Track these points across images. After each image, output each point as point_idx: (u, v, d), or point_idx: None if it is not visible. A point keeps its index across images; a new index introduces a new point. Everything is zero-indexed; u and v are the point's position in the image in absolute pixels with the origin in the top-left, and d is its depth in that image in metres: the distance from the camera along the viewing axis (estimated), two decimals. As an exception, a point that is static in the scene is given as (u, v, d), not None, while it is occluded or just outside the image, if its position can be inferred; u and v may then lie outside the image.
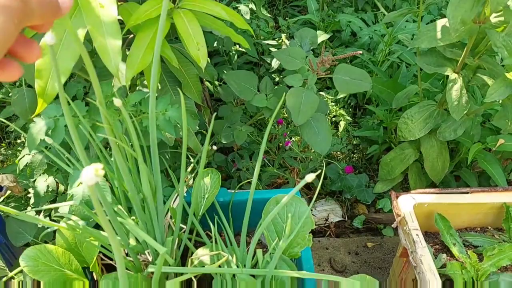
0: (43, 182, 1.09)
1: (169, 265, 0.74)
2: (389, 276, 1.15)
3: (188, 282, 0.82)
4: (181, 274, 0.73)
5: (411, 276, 0.95)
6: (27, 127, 0.94)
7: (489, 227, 1.03)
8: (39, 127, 0.76)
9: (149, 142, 0.70)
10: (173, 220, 0.84)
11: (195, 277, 0.82)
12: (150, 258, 0.77)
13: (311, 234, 0.76)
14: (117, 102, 0.57)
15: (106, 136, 0.67)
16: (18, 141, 1.76)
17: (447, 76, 1.09)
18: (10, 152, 1.73)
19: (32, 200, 1.15)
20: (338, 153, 1.67)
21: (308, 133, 0.93)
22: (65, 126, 0.76)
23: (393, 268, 1.11)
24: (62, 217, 0.84)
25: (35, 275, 0.74)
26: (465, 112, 1.09)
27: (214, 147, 1.03)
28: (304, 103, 0.87)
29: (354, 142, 1.71)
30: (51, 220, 0.97)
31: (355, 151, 1.71)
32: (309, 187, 1.55)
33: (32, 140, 0.75)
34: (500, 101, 1.08)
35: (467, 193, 0.96)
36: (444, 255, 0.95)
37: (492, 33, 0.96)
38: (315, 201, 1.56)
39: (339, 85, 0.90)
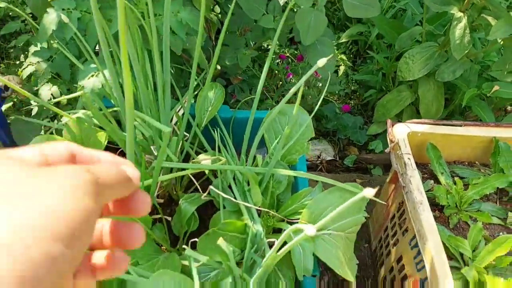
0: (47, 91, 1.10)
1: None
2: (375, 206, 1.21)
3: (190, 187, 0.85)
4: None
5: (398, 200, 1.00)
6: (29, 44, 0.95)
7: (477, 162, 1.07)
8: (51, 18, 0.76)
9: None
10: (178, 125, 0.87)
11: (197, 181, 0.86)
12: (155, 153, 0.80)
13: (309, 142, 0.79)
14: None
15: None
16: (17, 62, 1.75)
17: (453, 15, 1.10)
18: (9, 72, 1.72)
19: (35, 110, 1.17)
20: (335, 97, 1.69)
21: (314, 56, 0.95)
22: (78, 19, 0.77)
23: (380, 198, 1.16)
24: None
25: (43, 162, 0.77)
26: (466, 52, 1.11)
27: (218, 67, 1.05)
28: (313, 23, 0.88)
29: (352, 88, 1.73)
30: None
31: (352, 96, 1.74)
32: (305, 125, 1.58)
33: (44, 30, 0.76)
34: (501, 42, 1.10)
35: (460, 125, 1.00)
36: (432, 181, 0.99)
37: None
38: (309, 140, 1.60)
39: (347, 7, 0.91)
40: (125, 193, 0.30)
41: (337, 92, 1.65)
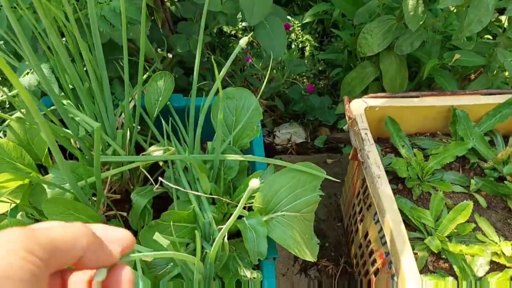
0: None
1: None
2: (344, 185, 1.20)
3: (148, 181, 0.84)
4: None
5: (361, 176, 0.99)
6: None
7: (438, 133, 1.07)
8: (-21, 17, 0.73)
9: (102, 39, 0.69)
10: (125, 117, 0.85)
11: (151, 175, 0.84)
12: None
13: (259, 125, 0.78)
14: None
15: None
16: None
17: (405, -15, 1.09)
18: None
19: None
20: (304, 78, 1.67)
21: (263, 37, 0.93)
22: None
23: (347, 176, 1.16)
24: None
25: (-15, 167, 0.75)
26: (421, 22, 1.10)
27: (170, 55, 1.02)
28: (258, 2, 0.86)
29: (320, 68, 1.71)
30: None
31: (321, 77, 1.72)
32: (273, 109, 1.57)
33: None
34: (454, 10, 1.09)
35: (417, 97, 0.99)
36: (392, 155, 0.99)
37: None
38: (279, 124, 1.59)
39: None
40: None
41: (304, 73, 1.64)
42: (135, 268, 0.60)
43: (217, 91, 0.66)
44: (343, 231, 1.23)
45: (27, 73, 0.74)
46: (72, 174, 0.63)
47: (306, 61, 1.65)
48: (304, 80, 1.68)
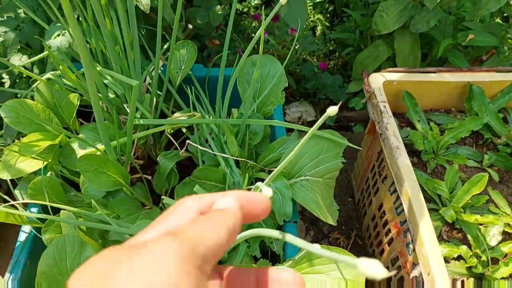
0: (17, 61, 1.07)
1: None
2: (357, 160, 1.22)
3: (169, 147, 0.85)
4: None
5: (376, 149, 1.01)
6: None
7: (453, 109, 1.09)
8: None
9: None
10: (151, 82, 0.86)
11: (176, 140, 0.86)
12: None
13: (283, 92, 0.79)
14: None
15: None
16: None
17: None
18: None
19: (7, 84, 1.15)
20: (314, 58, 1.68)
21: (284, 8, 0.94)
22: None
23: (360, 151, 1.18)
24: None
25: (17, 126, 0.76)
26: (438, 1, 1.11)
27: (190, 26, 1.03)
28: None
29: (331, 48, 1.72)
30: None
31: (331, 56, 1.73)
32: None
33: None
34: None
35: (435, 72, 1.01)
36: (409, 128, 1.01)
37: None
38: (289, 103, 1.60)
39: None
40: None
41: (315, 52, 1.65)
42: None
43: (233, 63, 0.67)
44: (353, 206, 1.26)
45: (58, 35, 0.75)
46: (107, 133, 0.64)
47: (317, 40, 1.66)
48: (314, 59, 1.69)
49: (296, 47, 1.53)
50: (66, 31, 0.75)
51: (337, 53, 1.73)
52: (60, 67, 0.66)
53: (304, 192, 0.72)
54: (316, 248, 0.32)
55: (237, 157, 0.75)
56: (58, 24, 0.76)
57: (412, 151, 0.99)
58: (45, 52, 0.78)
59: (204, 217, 0.27)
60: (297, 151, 0.49)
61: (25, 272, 0.70)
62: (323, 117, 0.42)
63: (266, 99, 0.80)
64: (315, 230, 1.22)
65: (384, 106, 0.93)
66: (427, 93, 1.04)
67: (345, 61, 1.69)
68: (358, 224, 1.22)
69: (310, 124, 1.52)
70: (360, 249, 1.17)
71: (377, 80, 0.98)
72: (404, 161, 0.84)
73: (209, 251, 0.24)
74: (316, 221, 1.23)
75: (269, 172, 0.79)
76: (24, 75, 1.22)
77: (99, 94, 0.76)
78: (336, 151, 0.78)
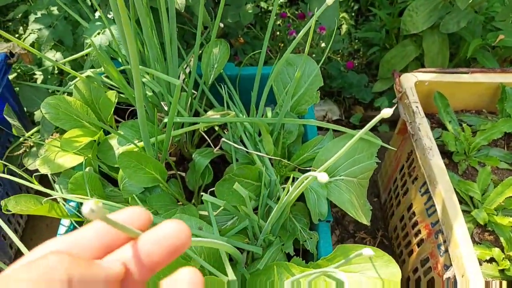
0: (51, 57, 1.10)
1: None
2: (384, 160, 1.22)
3: (201, 144, 0.86)
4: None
5: (407, 150, 1.01)
6: (27, 15, 0.94)
7: (484, 110, 1.08)
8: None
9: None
10: (185, 82, 0.87)
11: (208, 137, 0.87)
12: (166, 109, 0.80)
13: (318, 91, 0.80)
14: None
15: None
16: (16, 35, 1.74)
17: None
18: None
19: (40, 79, 1.17)
20: (339, 56, 1.68)
21: (317, 6, 0.94)
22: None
23: (388, 152, 1.18)
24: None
25: (56, 122, 0.78)
26: (470, 1, 1.10)
27: (221, 25, 1.04)
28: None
29: (355, 47, 1.72)
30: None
31: (355, 55, 1.73)
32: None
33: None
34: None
35: (467, 73, 1.00)
36: (440, 129, 1.00)
37: None
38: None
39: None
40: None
41: (340, 51, 1.64)
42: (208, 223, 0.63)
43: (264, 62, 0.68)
44: (379, 206, 1.26)
45: (98, 33, 0.77)
46: (147, 129, 0.66)
47: (342, 39, 1.65)
48: (338, 58, 1.68)
49: (322, 46, 1.53)
50: (106, 29, 0.76)
51: (361, 52, 1.73)
52: (104, 64, 0.68)
53: (338, 192, 0.73)
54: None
55: (271, 155, 0.76)
56: (98, 23, 0.77)
57: (443, 152, 0.99)
58: (87, 50, 0.80)
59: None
60: (343, 152, 0.49)
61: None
62: (376, 118, 0.43)
63: (301, 98, 0.80)
64: (340, 229, 1.22)
65: (417, 107, 0.92)
66: (459, 94, 1.03)
67: (369, 60, 1.68)
68: (384, 224, 1.22)
69: (335, 123, 1.52)
70: (386, 249, 1.17)
71: (409, 80, 0.98)
72: (437, 162, 0.84)
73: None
74: (341, 220, 1.23)
75: (302, 171, 0.79)
76: (56, 72, 1.24)
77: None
78: (371, 151, 0.78)
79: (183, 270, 0.26)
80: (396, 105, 1.00)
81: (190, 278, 0.25)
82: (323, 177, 0.38)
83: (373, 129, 1.48)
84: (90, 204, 0.20)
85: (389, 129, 1.46)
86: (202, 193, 0.63)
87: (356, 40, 1.72)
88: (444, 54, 1.33)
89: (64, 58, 1.12)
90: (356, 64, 1.70)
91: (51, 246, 0.25)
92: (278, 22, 1.67)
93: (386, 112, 0.40)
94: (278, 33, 1.57)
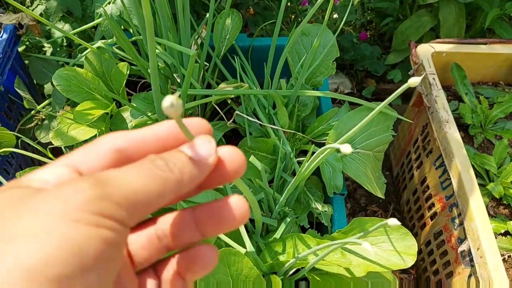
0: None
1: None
2: (397, 133, 1.20)
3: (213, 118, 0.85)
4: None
5: (421, 123, 0.99)
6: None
7: (501, 82, 1.05)
8: None
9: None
10: (198, 52, 0.86)
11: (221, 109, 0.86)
12: (178, 81, 0.79)
13: (334, 62, 0.78)
14: None
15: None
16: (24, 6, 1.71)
17: None
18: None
19: (49, 52, 1.16)
20: (351, 27, 1.64)
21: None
22: None
23: (401, 125, 1.16)
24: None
25: (68, 94, 0.77)
26: (490, -32, 1.06)
27: (234, -6, 1.01)
28: None
29: (368, 18, 1.67)
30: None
31: (368, 27, 1.69)
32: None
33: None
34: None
35: (485, 43, 0.97)
36: (456, 102, 0.98)
37: None
38: (326, 74, 1.58)
39: None
40: (183, 191, 0.22)
41: (353, 22, 1.61)
42: (224, 194, 0.62)
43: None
44: (391, 180, 1.25)
45: (109, 3, 0.75)
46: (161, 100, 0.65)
47: (355, 9, 1.61)
48: (350, 29, 1.65)
49: (335, 16, 1.49)
50: (116, -2, 0.74)
51: (374, 23, 1.68)
52: (116, 34, 0.66)
53: (354, 165, 0.72)
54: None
55: (286, 129, 0.75)
56: (108, -8, 0.76)
57: (459, 125, 0.97)
58: (98, 20, 0.78)
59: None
60: (362, 125, 0.48)
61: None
62: (403, 87, 0.41)
63: (316, 70, 0.78)
64: (352, 202, 1.22)
65: (433, 78, 0.90)
66: (476, 66, 1.01)
67: (382, 32, 1.65)
68: (396, 197, 1.21)
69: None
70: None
71: (425, 51, 0.95)
72: (454, 135, 0.83)
73: (132, 199, 0.19)
74: (353, 193, 1.23)
75: (317, 144, 0.78)
76: (65, 44, 1.23)
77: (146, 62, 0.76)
78: (387, 123, 0.76)
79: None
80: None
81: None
82: (346, 149, 0.37)
83: (386, 102, 1.46)
84: (171, 99, 0.19)
85: (401, 102, 1.44)
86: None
87: (369, 11, 1.68)
88: (460, 24, 1.29)
89: (73, 30, 1.10)
90: (369, 36, 1.66)
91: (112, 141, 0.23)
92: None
93: (414, 81, 0.39)
94: (289, 3, 1.53)
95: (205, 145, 0.23)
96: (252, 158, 0.58)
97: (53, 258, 0.16)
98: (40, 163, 1.07)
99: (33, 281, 0.16)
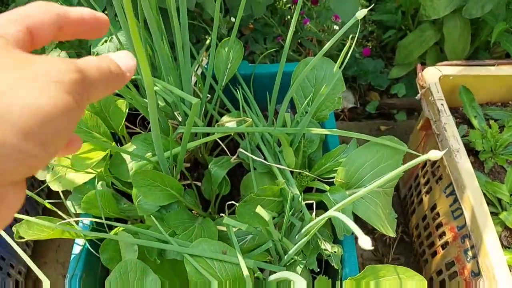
0: (56, 56, 1.05)
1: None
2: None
3: (216, 148, 0.83)
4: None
5: (429, 147, 0.96)
6: None
7: (510, 102, 1.03)
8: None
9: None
10: (199, 86, 0.83)
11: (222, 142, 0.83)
12: (180, 119, 0.77)
13: (340, 97, 0.75)
14: None
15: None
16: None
17: None
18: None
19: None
20: (352, 40, 1.61)
21: (334, 0, 0.88)
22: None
23: (409, 146, 1.13)
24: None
25: (65, 136, 0.74)
26: (496, -16, 1.03)
27: (233, 19, 0.99)
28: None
29: (370, 29, 1.65)
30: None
31: (369, 38, 1.66)
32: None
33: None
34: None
35: (493, 65, 0.94)
36: (466, 126, 0.95)
37: None
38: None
39: None
40: (113, 90, 0.28)
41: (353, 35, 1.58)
42: (227, 241, 0.60)
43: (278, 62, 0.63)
44: (399, 201, 1.22)
45: (105, 41, 0.72)
46: (161, 145, 0.62)
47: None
48: (352, 44, 1.62)
49: (335, 27, 1.46)
50: (112, 36, 0.71)
51: (375, 34, 1.65)
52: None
53: (364, 205, 0.69)
54: None
55: (292, 168, 0.72)
56: (105, 30, 0.73)
57: (468, 150, 0.94)
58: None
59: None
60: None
61: (82, 285, 0.69)
62: (422, 158, 0.39)
63: (322, 104, 0.76)
64: (359, 225, 1.19)
65: (442, 104, 0.87)
66: (484, 87, 0.98)
67: (384, 43, 1.62)
68: (403, 219, 1.18)
69: (350, 111, 1.47)
70: (407, 246, 1.15)
71: (432, 75, 0.92)
72: (465, 165, 0.80)
73: (95, 84, 0.25)
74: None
75: (323, 181, 0.76)
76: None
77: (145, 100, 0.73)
78: (397, 158, 0.74)
79: None
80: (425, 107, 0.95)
81: None
82: (367, 245, 0.34)
83: (390, 118, 1.43)
84: None
85: (406, 117, 1.41)
86: (222, 215, 0.60)
87: (371, 22, 1.65)
88: (465, 39, 1.27)
89: (70, 57, 1.07)
90: (370, 47, 1.63)
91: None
92: (288, 5, 1.60)
93: (434, 155, 0.37)
94: (288, 17, 1.50)
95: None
96: (259, 209, 0.56)
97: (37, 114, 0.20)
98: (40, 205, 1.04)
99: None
